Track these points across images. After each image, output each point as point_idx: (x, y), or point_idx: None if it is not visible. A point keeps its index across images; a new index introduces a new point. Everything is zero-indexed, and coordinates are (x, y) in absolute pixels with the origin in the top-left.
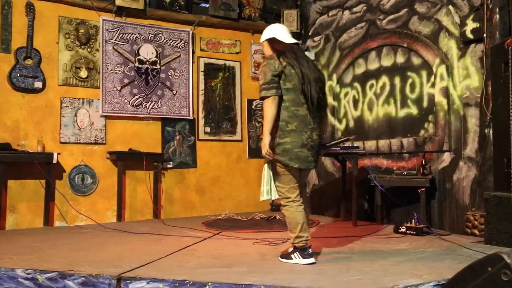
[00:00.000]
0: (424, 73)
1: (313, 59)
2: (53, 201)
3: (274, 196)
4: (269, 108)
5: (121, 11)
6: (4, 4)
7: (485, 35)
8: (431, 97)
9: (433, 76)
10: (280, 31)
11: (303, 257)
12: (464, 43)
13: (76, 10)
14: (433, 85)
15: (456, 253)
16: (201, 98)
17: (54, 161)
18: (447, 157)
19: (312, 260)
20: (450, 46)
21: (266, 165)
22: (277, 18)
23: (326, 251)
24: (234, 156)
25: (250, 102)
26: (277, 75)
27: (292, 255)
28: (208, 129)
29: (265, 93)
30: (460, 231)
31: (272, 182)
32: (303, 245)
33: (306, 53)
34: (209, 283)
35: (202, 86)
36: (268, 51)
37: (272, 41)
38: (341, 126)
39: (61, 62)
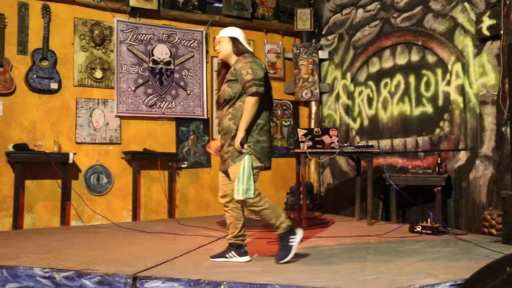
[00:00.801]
0: (439, 71)
1: (327, 58)
2: (70, 200)
3: (250, 195)
4: (255, 105)
5: (135, 12)
6: (21, 7)
7: (502, 32)
8: (447, 95)
9: (448, 74)
10: (244, 39)
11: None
12: (480, 40)
13: (91, 12)
14: (448, 83)
15: (473, 252)
16: (215, 98)
17: (70, 161)
18: (463, 156)
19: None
20: (465, 43)
21: (247, 161)
22: (290, 17)
23: (341, 250)
24: None
25: None
26: (265, 74)
27: (291, 242)
28: None
29: (257, 89)
30: (477, 231)
31: (251, 181)
32: (290, 225)
33: (320, 52)
34: (224, 283)
35: (216, 85)
36: (228, 47)
37: (236, 41)
38: (355, 125)
39: (76, 63)
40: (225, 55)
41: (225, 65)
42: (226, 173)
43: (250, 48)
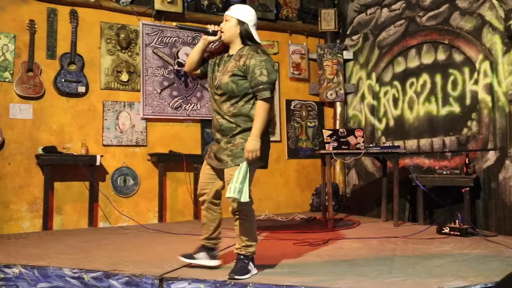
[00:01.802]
0: (466, 70)
1: (351, 58)
2: (97, 202)
3: (244, 198)
4: (268, 111)
5: (160, 15)
6: (50, 13)
7: None
8: (474, 94)
9: (476, 73)
10: (255, 25)
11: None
12: (509, 38)
13: (117, 16)
14: (476, 82)
15: (504, 255)
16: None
17: (97, 163)
18: (492, 156)
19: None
20: (494, 41)
21: (245, 163)
22: (314, 17)
23: (367, 252)
24: (273, 157)
25: (288, 102)
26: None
27: (250, 267)
28: None
29: (269, 94)
30: (508, 232)
31: (247, 184)
32: (254, 251)
33: (344, 52)
34: (250, 284)
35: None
36: (235, 30)
37: (245, 27)
38: (381, 126)
39: (103, 67)
40: (228, 37)
41: (221, 47)
42: (215, 170)
43: (258, 38)
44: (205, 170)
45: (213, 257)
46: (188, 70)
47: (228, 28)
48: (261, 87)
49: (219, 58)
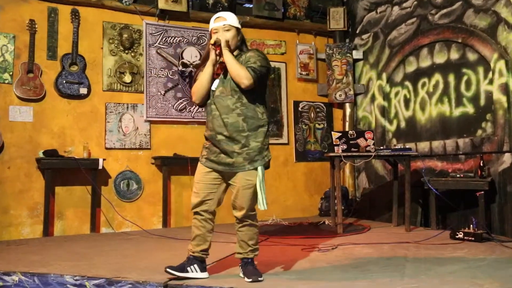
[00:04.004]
0: (480, 69)
1: (361, 58)
2: (99, 207)
3: (266, 206)
4: (245, 77)
5: (164, 15)
6: (50, 12)
7: None
8: (489, 95)
9: (490, 72)
10: None
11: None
12: None
13: (120, 15)
14: (491, 82)
15: None
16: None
17: (100, 167)
18: (507, 158)
19: None
20: (509, 39)
21: (261, 168)
22: (323, 16)
23: (378, 258)
24: (281, 160)
25: (296, 104)
26: (267, 73)
27: (256, 269)
28: None
29: (255, 76)
30: None
31: (264, 191)
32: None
33: (354, 52)
34: None
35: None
36: (235, 41)
37: (241, 34)
38: (391, 127)
39: (106, 68)
40: (233, 48)
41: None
42: (220, 174)
43: None
44: (206, 178)
45: (204, 269)
46: (201, 104)
47: (232, 37)
48: (250, 65)
49: None
